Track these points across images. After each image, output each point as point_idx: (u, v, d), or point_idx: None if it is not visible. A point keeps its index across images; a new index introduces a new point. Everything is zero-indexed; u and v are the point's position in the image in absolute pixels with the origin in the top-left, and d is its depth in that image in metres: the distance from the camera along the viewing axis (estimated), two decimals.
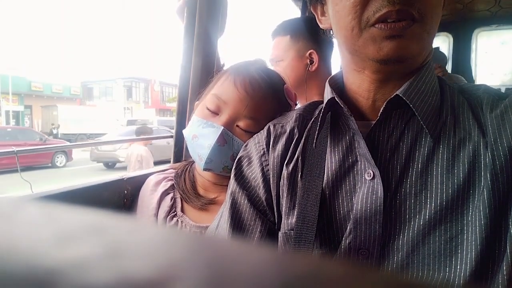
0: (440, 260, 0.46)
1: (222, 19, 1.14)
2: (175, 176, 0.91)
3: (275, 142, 0.61)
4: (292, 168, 0.58)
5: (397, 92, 0.50)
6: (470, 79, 2.43)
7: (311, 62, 1.16)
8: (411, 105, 0.50)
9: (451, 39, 2.51)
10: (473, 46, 2.48)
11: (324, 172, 0.55)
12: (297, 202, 0.55)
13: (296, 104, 0.88)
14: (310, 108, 0.65)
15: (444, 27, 2.40)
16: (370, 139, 0.53)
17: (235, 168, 0.64)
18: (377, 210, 0.49)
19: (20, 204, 0.14)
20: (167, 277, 0.09)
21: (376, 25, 0.47)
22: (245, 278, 0.09)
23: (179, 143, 1.17)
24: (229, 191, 0.62)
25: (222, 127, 0.77)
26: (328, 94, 0.57)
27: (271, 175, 0.59)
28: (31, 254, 0.10)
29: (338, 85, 0.60)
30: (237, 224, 0.58)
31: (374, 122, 0.53)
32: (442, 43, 2.54)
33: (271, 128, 0.64)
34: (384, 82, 0.53)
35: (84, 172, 9.88)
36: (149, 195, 0.88)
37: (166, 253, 0.11)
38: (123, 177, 0.93)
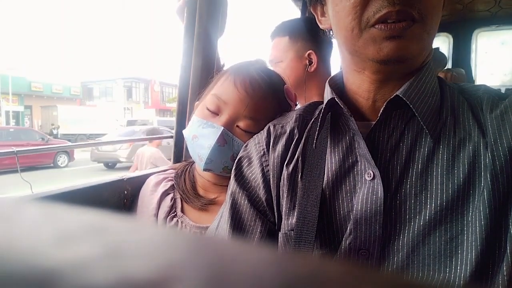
0: (440, 260, 0.46)
1: (222, 19, 1.14)
2: (175, 176, 0.91)
3: (275, 142, 0.61)
4: (292, 169, 0.58)
5: (397, 93, 0.50)
6: (470, 79, 2.43)
7: (310, 62, 1.16)
8: (411, 106, 0.50)
9: (451, 39, 2.51)
10: (473, 47, 2.48)
11: (324, 173, 0.55)
12: (297, 202, 0.55)
13: (296, 105, 0.88)
14: (310, 108, 0.65)
15: (444, 28, 2.40)
16: (370, 140, 0.53)
17: (235, 169, 0.64)
18: (377, 210, 0.49)
19: (20, 204, 0.14)
20: (167, 277, 0.09)
21: (376, 26, 0.47)
22: (245, 278, 0.09)
23: (179, 144, 1.17)
24: (229, 192, 0.62)
25: (222, 128, 0.77)
26: (328, 94, 0.57)
27: (271, 176, 0.59)
28: (31, 254, 0.10)
29: (338, 86, 0.60)
30: (237, 224, 0.58)
31: (374, 122, 0.53)
32: (442, 43, 2.54)
33: (271, 128, 0.64)
34: (384, 82, 0.53)
35: (84, 173, 9.88)
36: (149, 196, 0.88)
37: (166, 253, 0.11)
38: (123, 177, 0.93)
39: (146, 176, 0.94)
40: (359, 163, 0.53)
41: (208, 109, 0.79)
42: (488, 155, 0.48)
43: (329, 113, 0.58)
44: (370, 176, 0.51)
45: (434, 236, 0.47)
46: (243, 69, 0.81)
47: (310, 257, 0.12)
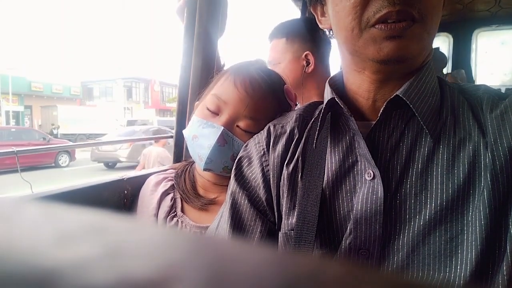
0: (440, 260, 0.46)
1: (222, 19, 1.14)
2: (175, 176, 0.91)
3: (275, 142, 0.61)
4: (292, 168, 0.58)
5: (397, 93, 0.50)
6: (470, 79, 2.43)
7: (308, 63, 1.16)
8: (411, 105, 0.50)
9: (451, 39, 2.51)
10: (473, 46, 2.48)
11: (324, 172, 0.55)
12: (297, 202, 0.55)
13: (296, 105, 0.88)
14: (310, 108, 0.65)
15: (444, 27, 2.40)
16: (370, 139, 0.53)
17: (235, 168, 0.64)
18: (377, 210, 0.49)
19: (20, 204, 0.14)
20: (167, 277, 0.09)
21: (376, 26, 0.47)
22: (245, 278, 0.09)
23: (179, 143, 1.17)
24: (229, 191, 0.62)
25: (222, 127, 0.77)
26: (328, 94, 0.57)
27: (271, 175, 0.59)
28: (31, 254, 0.10)
29: (338, 86, 0.60)
30: (237, 224, 0.58)
31: (374, 122, 0.53)
32: (442, 43, 2.54)
33: (271, 128, 0.64)
34: (384, 82, 0.53)
35: (84, 172, 9.88)
36: (149, 195, 0.89)
37: (166, 253, 0.11)
38: (123, 177, 0.93)
39: (146, 176, 0.94)
40: (359, 163, 0.53)
41: (208, 109, 0.79)
42: (488, 155, 0.48)
43: (329, 113, 0.58)
44: (370, 176, 0.51)
45: (434, 236, 0.47)
46: (243, 69, 0.81)
47: (310, 257, 0.12)
